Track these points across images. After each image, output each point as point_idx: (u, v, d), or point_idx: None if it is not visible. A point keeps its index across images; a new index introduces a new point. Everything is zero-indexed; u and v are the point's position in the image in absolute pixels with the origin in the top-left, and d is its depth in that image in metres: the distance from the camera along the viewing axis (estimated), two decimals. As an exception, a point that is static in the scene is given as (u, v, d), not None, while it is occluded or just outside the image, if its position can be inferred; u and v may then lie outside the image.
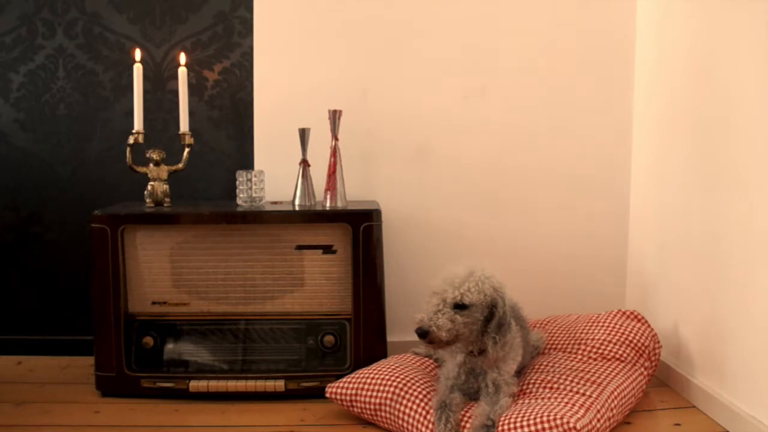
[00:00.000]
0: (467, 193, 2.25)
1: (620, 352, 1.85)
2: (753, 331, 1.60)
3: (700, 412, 1.79)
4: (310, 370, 1.90)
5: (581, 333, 1.95)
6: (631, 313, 1.98)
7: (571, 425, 1.46)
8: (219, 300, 1.95)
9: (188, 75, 2.11)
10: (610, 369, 1.77)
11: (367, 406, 1.69)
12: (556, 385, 1.68)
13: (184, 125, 2.06)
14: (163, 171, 2.04)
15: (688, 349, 1.92)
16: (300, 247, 1.94)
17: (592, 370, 1.75)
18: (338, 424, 1.74)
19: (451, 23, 2.21)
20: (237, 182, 2.05)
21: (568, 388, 1.66)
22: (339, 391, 1.74)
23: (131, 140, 2.00)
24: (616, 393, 1.67)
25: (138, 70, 2.00)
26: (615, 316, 1.97)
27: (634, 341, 1.87)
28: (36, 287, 2.27)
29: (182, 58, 2.09)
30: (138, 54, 2.03)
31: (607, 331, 1.91)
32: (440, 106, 2.23)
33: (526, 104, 2.24)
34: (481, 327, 1.58)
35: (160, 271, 1.93)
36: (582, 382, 1.69)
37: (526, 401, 1.63)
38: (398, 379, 1.70)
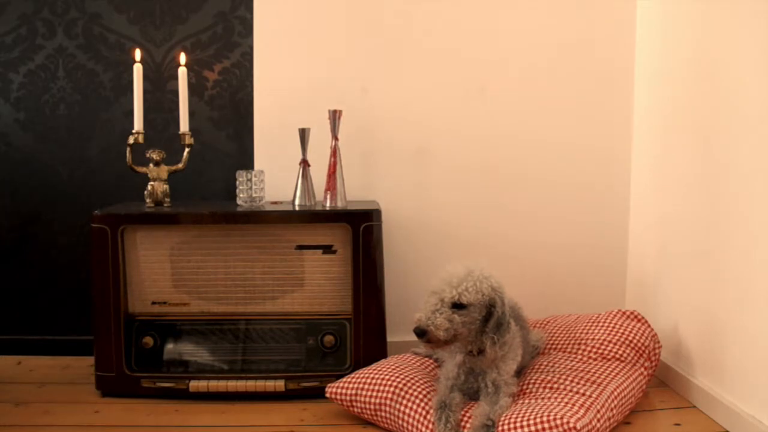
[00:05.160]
0: (467, 192, 2.25)
1: (620, 352, 1.85)
2: (753, 331, 1.60)
3: (700, 412, 1.79)
4: (310, 370, 1.90)
5: (581, 333, 1.95)
6: (631, 313, 1.98)
7: (571, 425, 1.46)
8: (219, 300, 1.95)
9: (188, 75, 2.11)
10: (610, 369, 1.77)
11: (367, 406, 1.70)
12: (556, 385, 1.68)
13: (184, 125, 2.06)
14: (163, 171, 2.04)
15: (688, 349, 1.92)
16: (300, 247, 1.94)
17: (592, 370, 1.75)
18: (338, 424, 1.74)
19: (451, 24, 2.21)
20: (237, 182, 2.05)
21: (568, 388, 1.66)
22: (339, 391, 1.74)
23: (131, 140, 2.00)
24: (616, 393, 1.67)
25: (138, 70, 2.00)
26: (615, 316, 1.97)
27: (634, 341, 1.87)
28: (36, 287, 2.27)
29: (182, 58, 2.09)
30: (138, 54, 2.03)
31: (607, 331, 1.91)
32: (440, 106, 2.23)
33: (526, 104, 2.24)
34: (480, 327, 1.58)
35: (160, 271, 1.94)
36: (582, 382, 1.69)
37: (526, 401, 1.63)
38: (398, 379, 1.70)
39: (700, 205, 1.84)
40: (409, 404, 1.64)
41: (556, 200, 2.27)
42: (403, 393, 1.67)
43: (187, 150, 2.07)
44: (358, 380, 1.74)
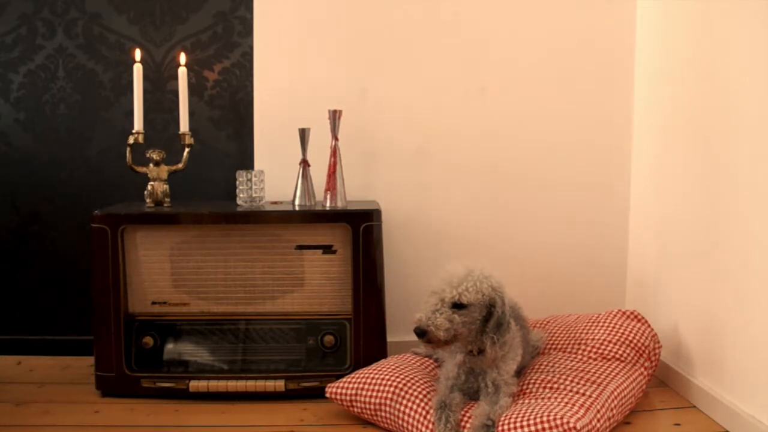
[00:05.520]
0: (467, 192, 2.25)
1: (620, 352, 1.85)
2: (753, 331, 1.60)
3: (700, 412, 1.79)
4: (310, 370, 1.90)
5: (581, 333, 1.95)
6: (631, 313, 1.98)
7: (571, 425, 1.46)
8: (219, 300, 1.95)
9: (188, 75, 2.11)
10: (610, 369, 1.77)
11: (367, 406, 1.70)
12: (556, 385, 1.68)
13: (184, 125, 2.06)
14: (163, 171, 2.04)
15: (688, 349, 1.92)
16: (300, 247, 1.94)
17: (592, 370, 1.75)
18: (338, 424, 1.74)
19: (451, 24, 2.21)
20: (237, 182, 2.05)
21: (568, 388, 1.66)
22: (339, 391, 1.75)
23: (131, 140, 2.00)
24: (616, 393, 1.67)
25: (138, 70, 2.00)
26: (615, 316, 1.97)
27: (634, 341, 1.87)
28: (36, 287, 2.27)
29: (182, 58, 2.09)
30: (138, 54, 2.03)
31: (607, 331, 1.91)
32: (440, 107, 2.23)
33: (526, 104, 2.24)
34: (480, 327, 1.58)
35: (160, 271, 1.94)
36: (582, 382, 1.69)
37: (526, 401, 1.63)
38: (398, 379, 1.70)
39: (700, 205, 1.84)
40: (409, 404, 1.64)
41: (556, 200, 2.27)
42: (403, 393, 1.67)
43: (187, 150, 2.07)
44: (358, 380, 1.74)
